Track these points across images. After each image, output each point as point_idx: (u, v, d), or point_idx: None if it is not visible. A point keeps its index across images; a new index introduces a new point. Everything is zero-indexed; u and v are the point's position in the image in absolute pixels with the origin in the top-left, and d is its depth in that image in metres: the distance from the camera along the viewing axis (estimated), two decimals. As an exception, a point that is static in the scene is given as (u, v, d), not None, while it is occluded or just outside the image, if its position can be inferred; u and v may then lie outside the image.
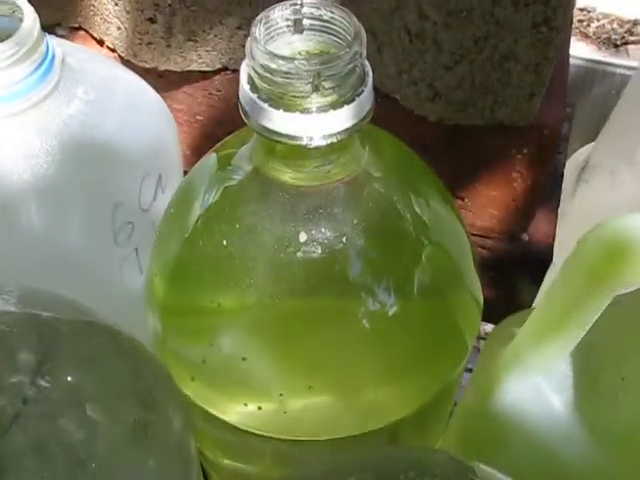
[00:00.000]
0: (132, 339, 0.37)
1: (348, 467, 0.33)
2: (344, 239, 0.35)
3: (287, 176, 0.34)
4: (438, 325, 0.39)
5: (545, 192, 0.56)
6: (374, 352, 0.37)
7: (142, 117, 0.47)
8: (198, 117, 0.58)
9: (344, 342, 0.36)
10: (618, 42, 1.23)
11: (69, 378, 0.33)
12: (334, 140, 0.31)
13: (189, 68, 0.54)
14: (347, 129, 0.31)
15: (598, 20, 1.25)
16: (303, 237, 0.34)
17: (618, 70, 1.20)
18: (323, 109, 0.30)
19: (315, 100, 0.30)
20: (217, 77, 0.55)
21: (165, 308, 0.39)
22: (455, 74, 0.47)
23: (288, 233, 0.34)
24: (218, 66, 0.54)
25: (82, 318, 0.37)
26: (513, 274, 0.59)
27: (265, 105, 0.30)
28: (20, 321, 0.33)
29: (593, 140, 0.76)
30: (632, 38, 1.23)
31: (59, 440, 0.31)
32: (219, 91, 0.55)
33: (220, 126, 0.57)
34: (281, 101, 0.30)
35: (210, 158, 0.39)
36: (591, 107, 1.23)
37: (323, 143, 0.31)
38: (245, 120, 0.32)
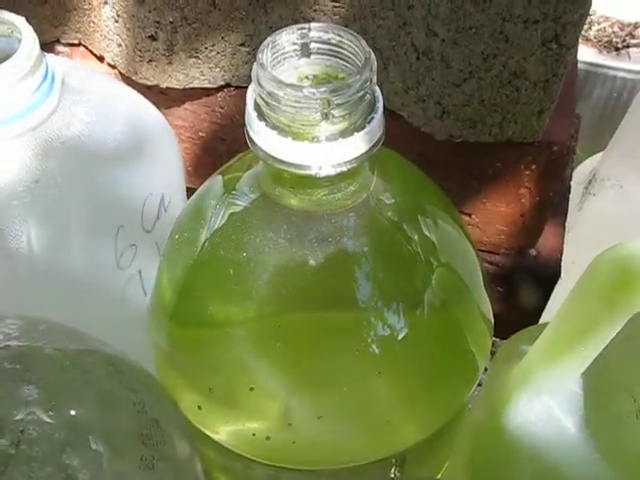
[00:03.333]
0: (136, 367, 0.36)
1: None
2: (353, 265, 0.34)
3: (295, 202, 0.33)
4: (449, 347, 0.39)
5: (554, 207, 0.55)
6: (385, 378, 0.36)
7: (144, 137, 0.46)
8: (200, 134, 0.57)
9: (354, 369, 0.36)
10: (619, 45, 1.22)
11: (72, 412, 0.32)
12: (344, 169, 0.30)
13: (191, 85, 0.53)
14: (357, 157, 0.30)
15: (599, 23, 1.24)
16: (312, 262, 0.33)
17: (619, 73, 1.19)
18: (333, 137, 0.30)
19: (324, 128, 0.29)
20: (220, 94, 0.54)
21: (171, 334, 0.38)
22: (463, 91, 0.46)
23: (296, 258, 0.33)
24: (221, 83, 0.53)
25: (84, 348, 0.36)
26: (521, 290, 0.58)
27: (273, 133, 0.29)
28: (21, 356, 0.32)
29: (594, 144, 0.75)
30: (633, 41, 1.23)
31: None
32: (222, 108, 0.55)
33: (223, 143, 0.56)
34: (289, 129, 0.29)
35: (215, 181, 0.38)
36: (592, 110, 1.22)
37: (332, 172, 0.30)
38: (251, 147, 0.31)
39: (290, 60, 0.31)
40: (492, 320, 0.42)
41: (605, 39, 1.23)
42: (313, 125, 0.29)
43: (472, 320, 0.40)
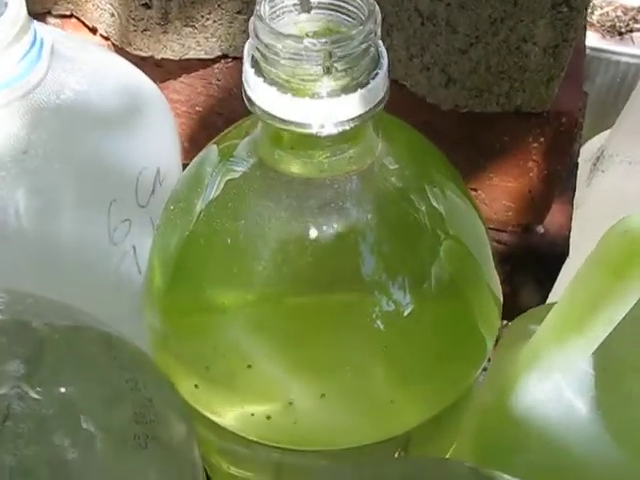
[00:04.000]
0: (130, 345, 0.35)
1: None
2: (357, 235, 0.32)
3: (295, 168, 0.31)
4: (457, 325, 0.37)
5: (562, 183, 0.53)
6: (390, 355, 0.34)
7: (137, 107, 0.44)
8: (197, 108, 0.56)
9: (357, 345, 0.34)
10: (622, 30, 1.20)
11: (62, 389, 0.30)
12: (346, 127, 0.28)
13: (187, 56, 0.51)
14: (361, 115, 0.28)
15: (602, 8, 1.22)
16: (313, 233, 0.31)
17: (623, 58, 1.17)
18: (335, 93, 0.28)
19: (326, 84, 0.27)
20: (217, 65, 0.52)
21: (166, 311, 0.37)
22: (470, 58, 0.44)
23: (297, 229, 0.31)
24: (218, 53, 0.51)
25: (76, 324, 0.34)
26: (528, 268, 0.56)
27: (271, 90, 0.28)
28: (8, 329, 0.30)
29: (597, 129, 0.74)
30: (637, 25, 1.21)
31: (50, 459, 0.28)
32: (219, 80, 0.53)
33: (220, 117, 0.54)
34: (289, 85, 0.28)
35: (211, 150, 0.36)
36: (595, 96, 1.20)
37: (335, 131, 0.28)
38: (249, 106, 0.29)
39: (289, 15, 0.29)
40: (501, 298, 0.40)
41: (608, 24, 1.21)
42: (314, 80, 0.27)
43: (481, 298, 0.38)
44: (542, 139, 0.48)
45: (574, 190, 0.59)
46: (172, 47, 0.50)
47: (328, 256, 0.32)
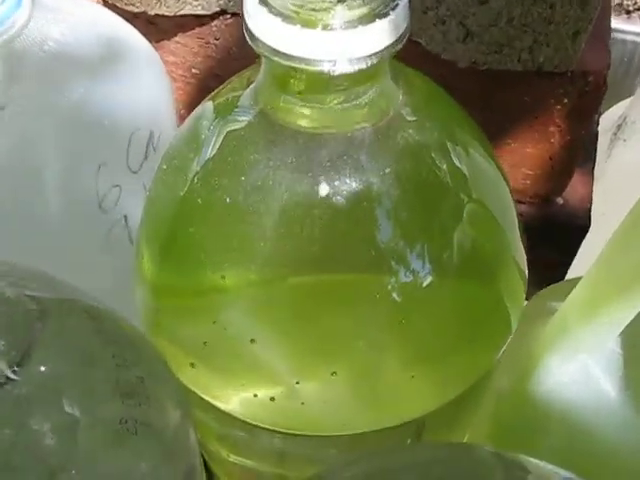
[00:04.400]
0: (119, 319, 0.31)
1: (386, 471, 0.27)
2: (372, 195, 0.29)
3: (304, 116, 0.27)
4: (480, 300, 0.33)
5: (584, 149, 0.50)
6: (407, 330, 0.31)
7: (128, 64, 0.40)
8: (194, 70, 0.52)
9: (372, 319, 0.30)
10: (630, 8, 1.17)
11: (42, 368, 0.27)
12: (363, 66, 0.25)
13: (182, 12, 0.48)
14: (379, 52, 0.25)
15: (609, -14, 1.18)
16: (324, 190, 0.27)
17: (629, 37, 1.14)
18: (350, 25, 0.24)
19: (340, 14, 0.24)
20: (215, 22, 0.48)
21: (158, 282, 0.33)
22: (490, 9, 0.40)
23: (305, 185, 0.27)
24: (215, 9, 0.47)
25: (57, 295, 0.31)
26: (547, 242, 0.53)
27: (277, 21, 0.24)
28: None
29: (604, 109, 0.70)
30: (645, 4, 1.17)
31: (27, 445, 0.25)
32: (217, 39, 0.49)
33: (218, 80, 0.50)
34: (297, 16, 0.24)
35: (206, 107, 0.33)
36: (602, 75, 1.17)
37: (349, 69, 0.25)
38: (249, 41, 0.25)
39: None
40: (526, 273, 0.36)
41: (615, 2, 1.18)
42: (326, 10, 0.24)
43: (506, 270, 0.34)
44: (566, 101, 0.45)
45: (594, 161, 0.56)
46: (166, 2, 0.47)
47: (339, 218, 0.29)
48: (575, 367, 0.37)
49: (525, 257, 0.36)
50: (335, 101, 0.26)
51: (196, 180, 0.30)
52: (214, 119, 0.31)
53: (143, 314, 0.35)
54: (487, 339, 0.34)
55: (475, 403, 0.39)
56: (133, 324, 0.32)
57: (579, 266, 0.54)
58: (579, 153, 0.48)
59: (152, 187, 0.34)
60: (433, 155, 0.31)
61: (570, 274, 0.55)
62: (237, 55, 0.48)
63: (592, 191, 0.54)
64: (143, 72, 0.42)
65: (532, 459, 0.30)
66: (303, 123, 0.28)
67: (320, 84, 0.26)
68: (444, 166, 0.31)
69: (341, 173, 0.27)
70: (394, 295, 0.30)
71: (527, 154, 0.49)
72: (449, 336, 0.32)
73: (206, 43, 0.50)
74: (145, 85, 0.42)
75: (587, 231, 0.53)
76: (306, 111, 0.27)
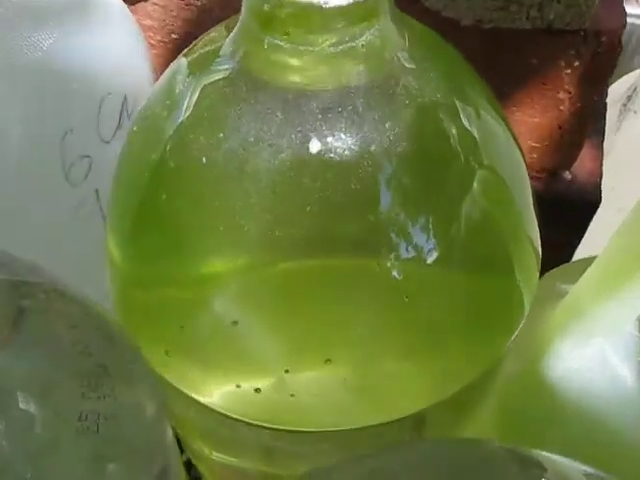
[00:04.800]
0: (81, 299, 0.27)
1: (389, 471, 0.23)
2: (370, 153, 0.25)
3: (292, 62, 0.23)
4: (491, 279, 0.30)
5: (596, 119, 0.46)
6: (409, 312, 0.27)
7: (99, 21, 0.36)
8: (173, 36, 0.48)
9: (371, 301, 0.27)
10: (629, -11, 1.14)
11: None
12: (359, -2, 0.21)
13: (160, -30, 0.44)
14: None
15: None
16: (315, 146, 0.23)
17: (628, 19, 1.11)
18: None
19: None
20: (196, -19, 0.45)
21: (129, 258, 0.29)
22: (497, -42, 0.37)
23: (294, 141, 0.23)
24: (197, -33, 0.43)
25: (15, 277, 0.27)
26: (554, 219, 0.49)
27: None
28: None
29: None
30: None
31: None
32: (198, 0, 0.45)
33: (201, 47, 0.47)
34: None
35: (179, 64, 0.29)
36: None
37: (343, 1, 0.21)
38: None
39: None
40: (540, 251, 0.33)
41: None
42: None
43: (519, 246, 0.31)
44: (577, 63, 0.41)
45: (603, 133, 0.52)
46: (142, -42, 0.43)
47: (333, 180, 0.25)
48: (589, 352, 0.34)
49: (539, 234, 0.33)
50: (327, 43, 0.22)
51: (169, 141, 0.27)
52: (190, 73, 0.27)
53: (114, 296, 0.31)
54: (499, 323, 0.30)
55: (482, 394, 0.36)
56: (103, 307, 0.28)
57: (588, 245, 0.51)
58: (590, 122, 0.45)
59: (121, 154, 0.30)
60: (439, 112, 0.27)
61: (579, 253, 0.51)
62: (220, 18, 0.43)
63: (601, 165, 0.50)
64: (116, 30, 0.38)
65: (547, 454, 0.27)
66: (290, 72, 0.24)
67: (309, 21, 0.22)
68: (452, 126, 0.27)
69: (335, 128, 0.24)
70: (394, 273, 0.27)
71: (534, 124, 0.45)
72: (457, 320, 0.29)
73: (186, 5, 0.46)
74: (118, 45, 0.38)
75: (597, 207, 0.49)
76: (294, 57, 0.23)
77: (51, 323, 0.24)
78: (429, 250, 0.27)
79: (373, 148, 0.25)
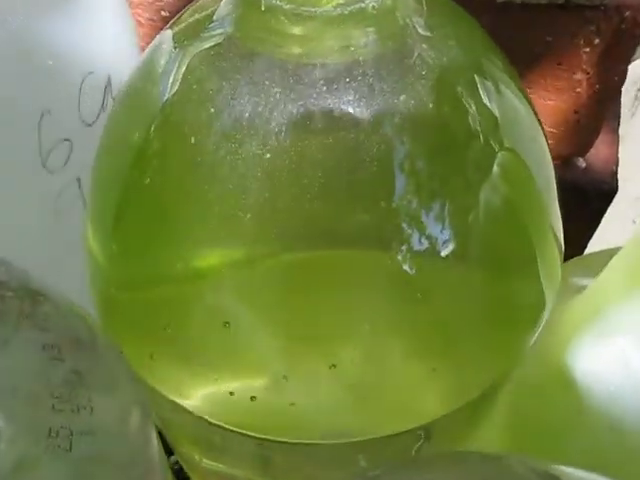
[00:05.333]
0: (56, 299, 0.24)
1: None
2: (381, 131, 0.22)
3: (293, 27, 0.20)
4: (512, 273, 0.27)
5: (614, 101, 0.43)
6: (425, 313, 0.24)
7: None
8: (163, 13, 0.45)
9: (380, 298, 0.24)
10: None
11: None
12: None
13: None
14: None
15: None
16: (319, 122, 0.20)
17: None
18: None
19: None
20: (186, -46, 0.41)
21: (110, 252, 0.26)
22: None
23: (295, 116, 0.20)
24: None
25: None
26: (568, 209, 0.46)
27: None
28: None
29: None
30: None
31: None
32: (189, -25, 0.42)
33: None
34: None
35: (164, 35, 0.26)
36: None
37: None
38: None
39: None
40: (562, 243, 0.30)
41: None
42: None
43: (542, 238, 0.28)
44: (597, 41, 0.38)
45: (619, 118, 0.49)
46: None
47: (338, 166, 0.22)
48: (611, 352, 0.32)
49: (561, 223, 0.30)
50: (333, 3, 0.19)
51: (154, 120, 0.24)
52: (176, 44, 0.24)
53: (94, 295, 0.28)
54: (519, 323, 0.28)
55: (494, 401, 0.33)
56: (80, 308, 0.25)
57: (603, 236, 0.48)
58: (609, 105, 0.42)
59: (102, 136, 0.27)
60: (457, 87, 0.24)
61: (592, 245, 0.49)
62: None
63: (617, 152, 0.47)
64: (99, 5, 0.35)
65: (567, 469, 0.24)
66: (290, 38, 0.21)
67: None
68: (471, 103, 0.24)
69: (341, 102, 0.21)
70: (407, 267, 0.24)
71: (548, 107, 0.42)
72: (475, 319, 0.26)
73: (177, -20, 0.43)
74: (101, 21, 0.35)
75: (613, 197, 0.47)
76: (295, 20, 0.20)
77: (17, 326, 0.21)
78: (444, 241, 0.24)
79: (384, 125, 0.22)
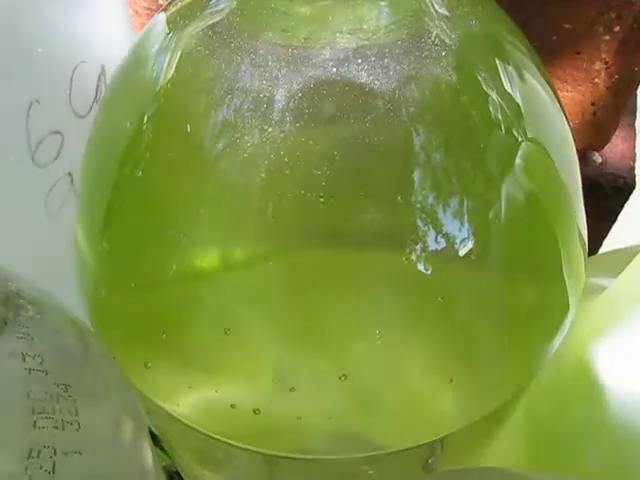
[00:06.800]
0: (44, 307, 0.22)
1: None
2: (396, 118, 0.20)
3: (299, 15, 0.18)
4: (535, 275, 0.25)
5: (633, 94, 0.41)
6: (438, 315, 0.22)
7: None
8: (160, 2, 0.43)
9: (395, 302, 0.22)
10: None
11: None
12: None
13: None
14: None
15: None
16: (328, 109, 0.18)
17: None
18: None
19: None
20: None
21: (100, 252, 0.24)
22: None
23: (302, 102, 0.18)
24: None
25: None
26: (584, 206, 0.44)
27: None
28: None
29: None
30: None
31: None
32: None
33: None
34: None
35: (158, 18, 0.24)
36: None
37: None
38: None
39: None
40: (586, 243, 0.28)
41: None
42: None
43: (568, 237, 0.26)
44: (617, 28, 0.36)
45: (635, 111, 0.47)
46: None
47: (349, 157, 0.20)
48: (634, 359, 0.30)
49: (585, 221, 0.28)
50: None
51: (147, 108, 0.22)
52: (171, 26, 0.22)
53: (85, 299, 0.26)
54: (543, 328, 0.26)
55: (512, 411, 0.31)
56: (69, 312, 0.23)
57: (620, 235, 0.46)
58: (628, 98, 0.40)
59: (92, 127, 0.25)
60: (478, 71, 0.22)
61: (608, 244, 0.47)
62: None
63: (634, 147, 0.45)
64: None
65: None
66: (297, 15, 0.19)
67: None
68: (492, 89, 0.22)
69: (353, 87, 0.19)
70: (420, 267, 0.22)
71: (565, 98, 0.40)
72: (496, 325, 0.24)
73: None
74: (95, 6, 0.33)
75: (630, 193, 0.45)
76: (299, 0, 0.18)
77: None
78: (462, 239, 0.22)
79: (399, 113, 0.20)
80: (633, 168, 0.45)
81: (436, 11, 0.20)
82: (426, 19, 0.20)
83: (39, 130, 0.30)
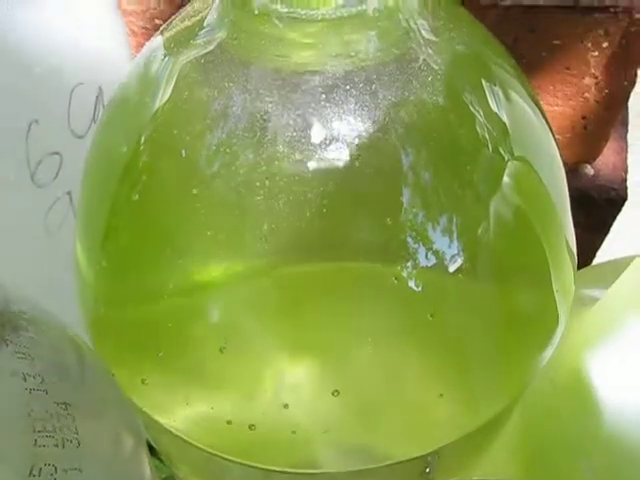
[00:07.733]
0: (43, 327, 0.23)
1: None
2: (385, 141, 0.20)
3: (286, 40, 0.19)
4: (524, 289, 0.25)
5: (623, 107, 0.42)
6: (433, 333, 0.23)
7: (68, 2, 0.32)
8: (157, 21, 0.43)
9: (387, 319, 0.22)
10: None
11: None
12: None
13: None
14: None
15: None
16: (318, 133, 0.19)
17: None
18: None
19: None
20: (180, -40, 0.40)
21: (99, 270, 0.25)
22: None
23: (292, 126, 0.19)
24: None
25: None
26: (575, 218, 0.44)
27: None
28: None
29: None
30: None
31: None
32: (184, -19, 0.41)
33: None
34: None
35: (154, 42, 0.25)
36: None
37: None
38: None
39: None
40: (576, 256, 0.28)
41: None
42: None
43: (556, 251, 0.27)
44: (606, 44, 0.37)
45: (627, 123, 0.48)
46: None
47: (339, 178, 0.21)
48: (626, 370, 0.31)
49: (574, 237, 0.29)
50: (332, 4, 0.18)
51: (143, 132, 0.22)
52: (167, 51, 0.23)
53: (84, 316, 0.26)
54: (533, 342, 0.26)
55: (505, 423, 0.31)
56: (69, 330, 0.24)
57: (613, 246, 0.47)
58: (618, 111, 0.40)
59: (90, 148, 0.26)
60: (465, 93, 0.22)
61: (601, 255, 0.47)
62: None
63: (626, 159, 0.46)
64: (90, 14, 0.34)
65: None
66: (286, 43, 0.19)
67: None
68: (479, 111, 0.23)
69: (342, 111, 0.19)
70: (411, 284, 0.22)
71: (555, 113, 0.41)
72: (486, 339, 0.24)
73: (171, -13, 0.41)
74: (92, 27, 0.34)
75: (622, 205, 0.45)
76: (290, 25, 0.19)
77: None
78: (452, 256, 0.23)
79: (388, 135, 0.20)
80: (625, 180, 0.46)
81: (423, 37, 0.21)
82: (413, 45, 0.21)
83: (38, 150, 0.31)
